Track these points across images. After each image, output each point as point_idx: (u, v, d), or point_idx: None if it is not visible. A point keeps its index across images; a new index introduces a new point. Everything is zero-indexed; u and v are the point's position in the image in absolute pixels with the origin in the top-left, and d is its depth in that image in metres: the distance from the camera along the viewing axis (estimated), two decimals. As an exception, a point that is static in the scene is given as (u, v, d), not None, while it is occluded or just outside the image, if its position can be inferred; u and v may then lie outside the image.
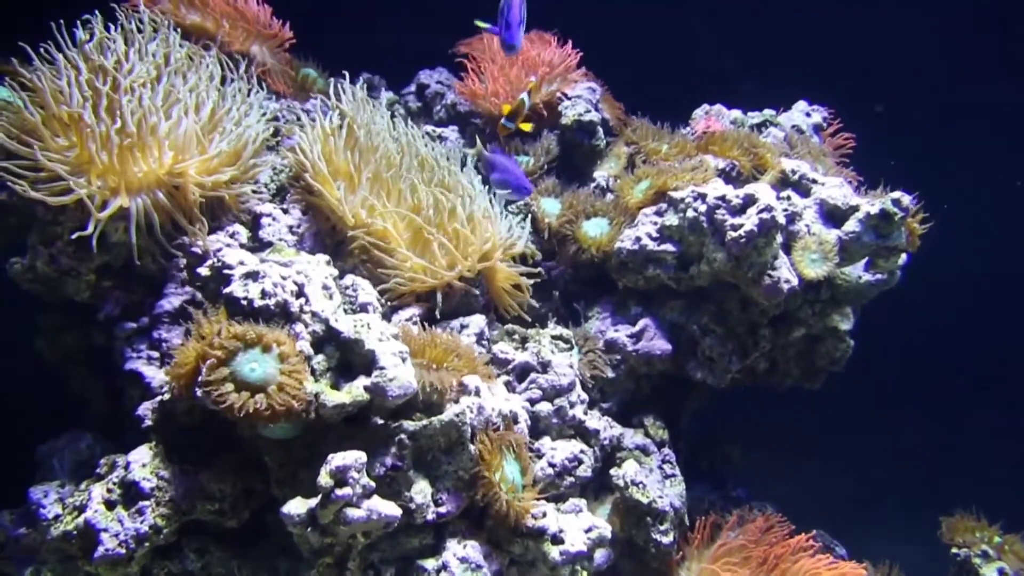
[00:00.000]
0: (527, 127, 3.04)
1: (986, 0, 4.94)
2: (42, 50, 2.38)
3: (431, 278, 2.58)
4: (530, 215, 3.11)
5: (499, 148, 3.06)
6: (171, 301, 2.39)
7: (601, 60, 3.73)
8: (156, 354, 2.35)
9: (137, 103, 2.35)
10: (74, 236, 2.25)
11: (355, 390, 2.02)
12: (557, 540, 2.28)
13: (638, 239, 2.92)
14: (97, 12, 2.51)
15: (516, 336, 2.78)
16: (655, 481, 2.65)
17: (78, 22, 2.47)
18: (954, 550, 3.18)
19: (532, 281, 2.83)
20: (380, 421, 2.06)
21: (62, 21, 2.41)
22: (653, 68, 4.39)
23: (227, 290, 2.11)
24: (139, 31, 2.57)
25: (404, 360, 2.08)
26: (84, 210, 2.26)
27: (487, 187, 2.92)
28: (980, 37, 5.03)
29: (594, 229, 3.05)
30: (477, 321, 2.71)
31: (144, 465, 2.05)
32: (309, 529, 1.89)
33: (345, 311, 2.32)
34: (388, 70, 3.99)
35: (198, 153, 2.46)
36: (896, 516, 4.76)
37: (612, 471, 2.61)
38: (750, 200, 2.75)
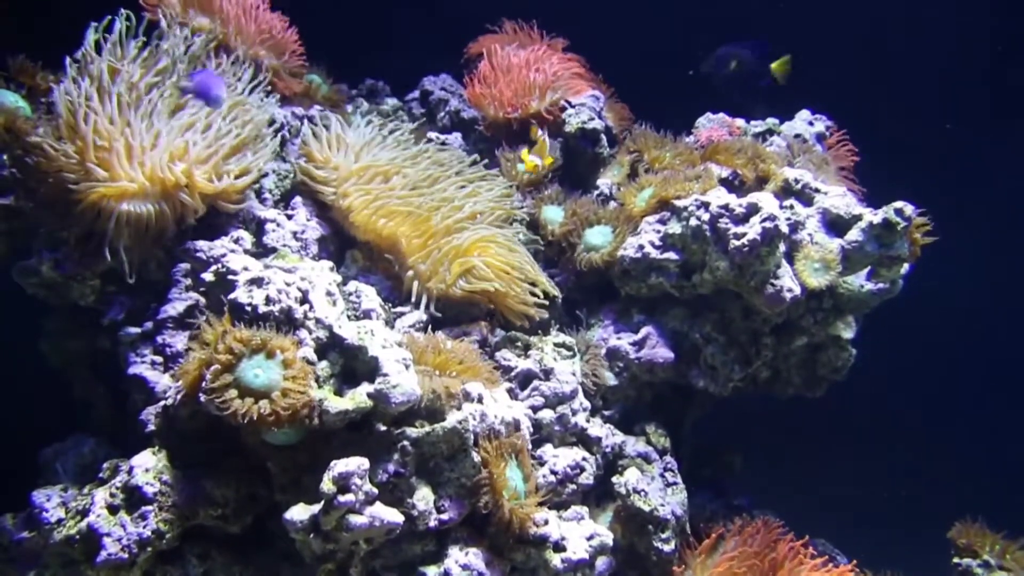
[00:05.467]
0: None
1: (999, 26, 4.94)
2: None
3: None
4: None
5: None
6: (175, 306, 2.40)
7: (607, 67, 3.73)
8: (160, 359, 2.35)
9: (133, 107, 2.37)
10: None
11: (358, 397, 2.02)
12: (559, 548, 2.28)
13: (641, 247, 2.93)
14: (109, 15, 2.53)
15: (519, 343, 2.78)
16: (657, 489, 2.65)
17: (90, 25, 2.49)
18: (955, 560, 3.16)
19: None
20: (383, 428, 2.07)
21: (74, 24, 2.43)
22: (659, 77, 4.39)
23: (231, 296, 2.11)
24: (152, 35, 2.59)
25: (407, 367, 2.08)
26: (90, 215, 2.28)
27: None
28: (992, 64, 5.04)
29: (597, 237, 3.05)
30: (480, 328, 2.72)
31: (147, 470, 2.06)
32: (312, 535, 1.90)
33: (349, 317, 2.33)
34: (392, 76, 4.01)
35: (200, 156, 2.47)
36: (899, 526, 4.75)
37: (614, 479, 2.61)
38: (753, 209, 2.75)
